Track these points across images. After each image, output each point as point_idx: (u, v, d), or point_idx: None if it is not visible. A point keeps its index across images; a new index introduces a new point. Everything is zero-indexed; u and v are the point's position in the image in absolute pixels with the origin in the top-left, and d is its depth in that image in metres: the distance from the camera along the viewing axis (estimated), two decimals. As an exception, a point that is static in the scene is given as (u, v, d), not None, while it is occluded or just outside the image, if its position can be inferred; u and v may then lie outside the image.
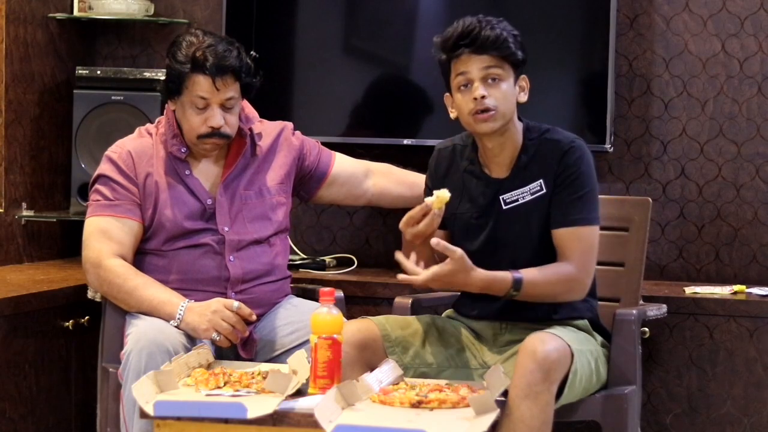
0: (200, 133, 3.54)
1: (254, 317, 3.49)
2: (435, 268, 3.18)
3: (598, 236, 3.33)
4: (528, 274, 3.25)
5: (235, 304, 3.44)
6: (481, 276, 3.21)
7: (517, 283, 3.23)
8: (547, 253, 3.33)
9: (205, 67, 3.49)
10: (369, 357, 3.28)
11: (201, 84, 3.51)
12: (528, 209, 3.33)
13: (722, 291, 4.17)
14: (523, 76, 3.37)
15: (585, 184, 3.31)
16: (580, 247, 3.29)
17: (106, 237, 3.54)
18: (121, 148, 3.63)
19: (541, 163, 3.33)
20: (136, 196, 3.58)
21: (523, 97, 3.37)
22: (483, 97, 3.27)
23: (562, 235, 3.30)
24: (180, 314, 3.43)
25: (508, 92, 3.31)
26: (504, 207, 3.35)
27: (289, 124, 3.78)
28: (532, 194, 3.33)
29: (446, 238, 3.45)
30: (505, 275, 3.23)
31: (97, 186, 3.61)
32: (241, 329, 3.46)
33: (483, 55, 3.30)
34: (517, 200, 3.34)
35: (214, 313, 3.43)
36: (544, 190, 3.32)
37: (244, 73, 3.54)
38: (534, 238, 3.34)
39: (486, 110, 3.28)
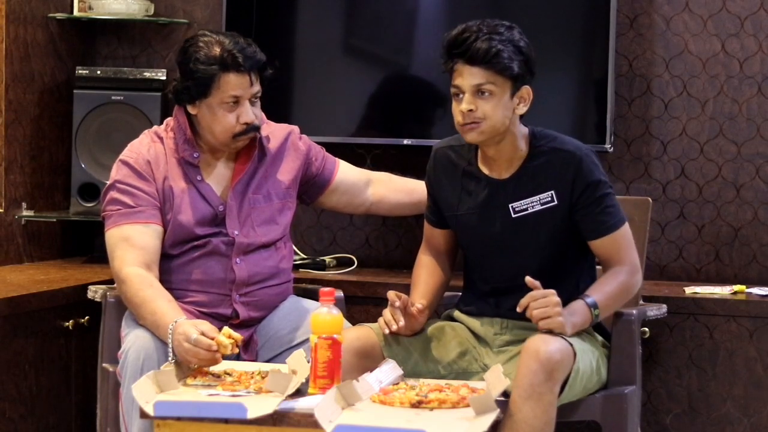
0: (236, 132, 3.48)
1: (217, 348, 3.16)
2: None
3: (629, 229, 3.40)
4: (596, 293, 3.28)
5: (193, 336, 3.16)
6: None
7: (594, 305, 3.26)
8: (553, 262, 3.35)
9: (238, 64, 3.44)
10: (368, 365, 3.26)
11: (233, 82, 3.45)
12: (537, 219, 3.33)
13: (722, 291, 4.17)
14: (525, 87, 3.28)
15: (606, 191, 3.33)
16: (624, 247, 3.35)
17: (129, 245, 3.44)
18: (137, 153, 3.54)
19: (552, 173, 3.31)
20: (157, 200, 3.51)
21: (522, 109, 3.29)
22: (471, 110, 3.23)
23: (603, 243, 3.34)
24: (170, 340, 3.24)
25: (499, 106, 3.24)
26: (513, 215, 3.34)
27: (296, 128, 3.72)
28: (542, 204, 3.32)
29: (447, 237, 3.47)
30: (578, 303, 3.26)
31: (114, 194, 3.51)
32: (209, 359, 3.18)
33: (474, 68, 3.23)
34: (526, 209, 3.34)
35: (186, 352, 3.18)
36: (556, 202, 3.31)
37: (267, 66, 3.52)
38: (541, 247, 3.34)
39: (474, 122, 3.25)
